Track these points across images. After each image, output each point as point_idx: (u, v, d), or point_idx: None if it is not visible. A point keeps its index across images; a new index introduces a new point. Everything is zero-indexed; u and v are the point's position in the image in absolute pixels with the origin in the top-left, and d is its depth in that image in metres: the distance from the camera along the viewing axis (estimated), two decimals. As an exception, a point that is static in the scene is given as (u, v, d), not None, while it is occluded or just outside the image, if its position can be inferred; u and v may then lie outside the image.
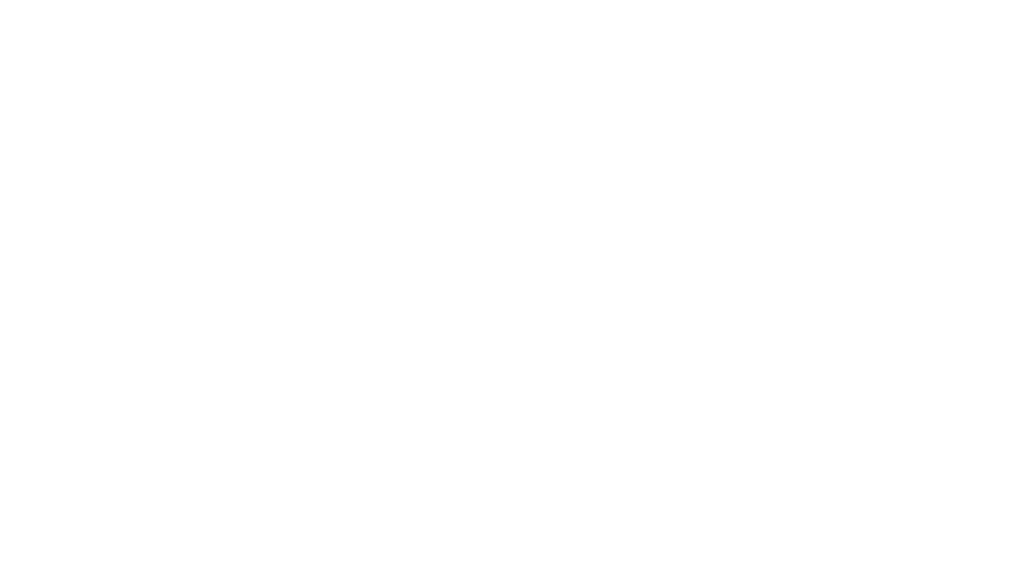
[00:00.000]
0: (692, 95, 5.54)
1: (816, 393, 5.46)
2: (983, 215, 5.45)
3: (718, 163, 5.52)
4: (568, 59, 5.55)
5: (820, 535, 5.43)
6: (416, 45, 5.58)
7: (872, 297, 5.47)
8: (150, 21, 5.58)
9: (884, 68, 5.50)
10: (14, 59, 5.57)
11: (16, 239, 5.55)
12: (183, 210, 5.57)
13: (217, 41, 5.58)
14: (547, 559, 5.47)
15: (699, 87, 5.53)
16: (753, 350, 5.48)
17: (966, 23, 5.47)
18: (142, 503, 5.51)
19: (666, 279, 5.51)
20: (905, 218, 5.47)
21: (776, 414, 5.46)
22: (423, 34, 5.58)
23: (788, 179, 5.50)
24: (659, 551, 5.45)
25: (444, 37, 5.57)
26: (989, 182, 5.46)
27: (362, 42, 5.58)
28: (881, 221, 5.48)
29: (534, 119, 5.56)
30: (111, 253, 5.55)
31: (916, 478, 5.42)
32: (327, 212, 5.56)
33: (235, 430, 5.52)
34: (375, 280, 5.55)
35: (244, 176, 5.57)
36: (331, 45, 5.58)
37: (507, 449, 5.50)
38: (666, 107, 5.54)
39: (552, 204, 5.54)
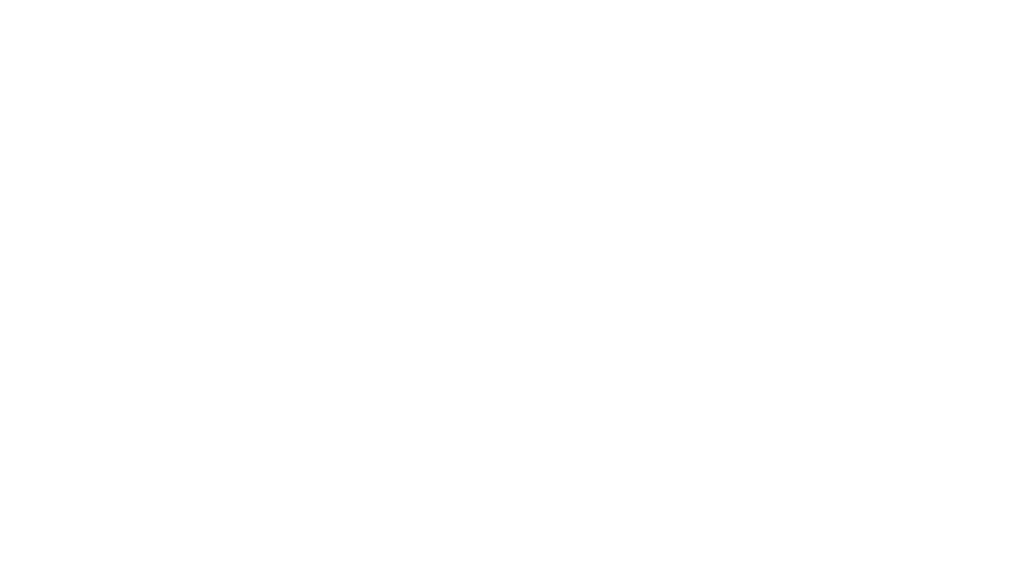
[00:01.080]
0: (692, 95, 5.54)
1: (815, 393, 5.47)
2: (983, 215, 5.46)
3: (718, 163, 5.53)
4: (568, 59, 5.56)
5: (819, 534, 5.43)
6: (416, 45, 5.59)
7: (872, 297, 5.47)
8: (150, 21, 5.59)
9: (884, 68, 5.50)
10: (14, 59, 5.58)
11: (16, 239, 5.55)
12: (183, 210, 5.57)
13: (217, 41, 5.59)
14: (545, 559, 5.47)
15: (699, 87, 5.54)
16: (753, 350, 5.48)
17: (966, 23, 5.48)
18: (142, 503, 5.52)
19: (666, 279, 5.52)
20: (905, 218, 5.48)
21: (775, 414, 5.47)
22: (423, 34, 5.59)
23: (788, 179, 5.51)
24: (656, 551, 5.46)
25: (444, 37, 5.58)
26: (989, 182, 5.47)
27: (362, 42, 5.59)
28: (881, 221, 5.49)
29: (534, 119, 5.56)
30: (111, 253, 5.56)
31: (915, 478, 5.43)
32: (327, 212, 5.57)
33: (235, 430, 5.52)
34: (375, 280, 5.55)
35: (244, 176, 5.58)
36: (331, 45, 5.59)
37: (506, 449, 5.51)
38: (666, 107, 5.54)
39: (552, 204, 5.55)
